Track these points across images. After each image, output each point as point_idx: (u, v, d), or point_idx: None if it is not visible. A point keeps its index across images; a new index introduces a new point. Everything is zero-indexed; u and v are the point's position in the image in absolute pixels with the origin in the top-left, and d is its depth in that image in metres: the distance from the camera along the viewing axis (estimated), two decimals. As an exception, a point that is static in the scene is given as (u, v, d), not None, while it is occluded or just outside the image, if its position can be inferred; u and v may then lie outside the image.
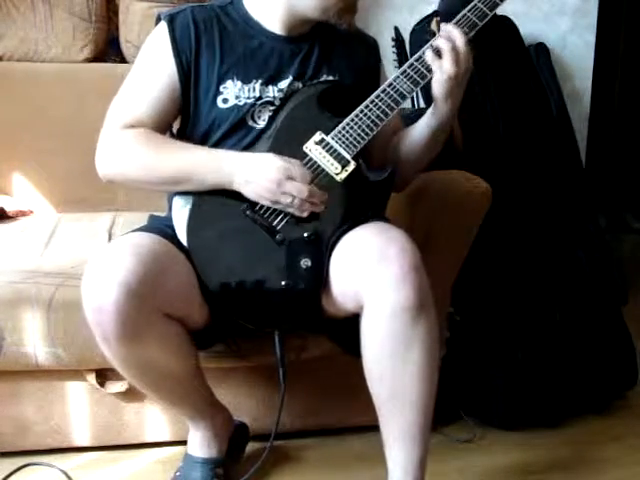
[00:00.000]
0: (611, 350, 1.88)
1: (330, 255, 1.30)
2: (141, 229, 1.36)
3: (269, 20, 1.40)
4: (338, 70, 1.44)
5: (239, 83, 1.38)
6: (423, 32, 2.09)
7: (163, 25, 1.37)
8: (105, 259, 1.21)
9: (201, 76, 1.37)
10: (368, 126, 1.34)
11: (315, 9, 1.35)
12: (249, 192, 1.29)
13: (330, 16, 1.36)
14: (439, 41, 1.31)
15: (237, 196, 1.30)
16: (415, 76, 1.36)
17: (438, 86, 1.31)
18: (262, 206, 1.31)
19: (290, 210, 1.30)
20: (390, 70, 1.87)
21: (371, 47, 1.53)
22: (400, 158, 1.44)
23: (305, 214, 1.30)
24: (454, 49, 1.29)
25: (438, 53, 1.30)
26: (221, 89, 1.37)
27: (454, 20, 1.35)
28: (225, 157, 1.30)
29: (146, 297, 1.19)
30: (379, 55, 1.53)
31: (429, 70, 1.35)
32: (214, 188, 1.30)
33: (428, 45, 1.34)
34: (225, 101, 1.37)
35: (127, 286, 1.17)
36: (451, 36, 1.31)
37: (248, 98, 1.38)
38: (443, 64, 1.29)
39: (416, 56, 1.37)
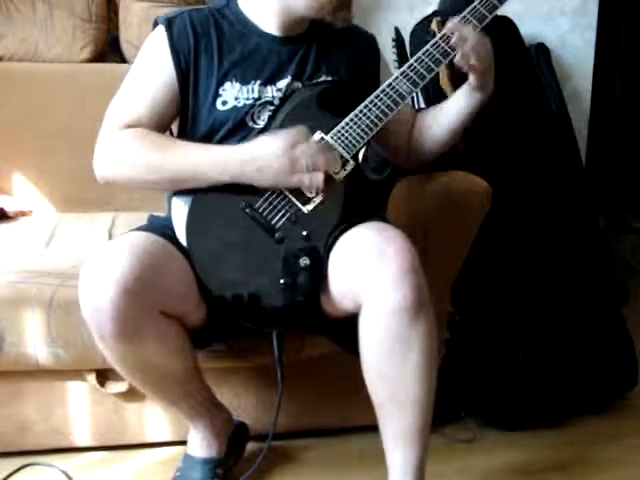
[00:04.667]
0: (611, 350, 1.88)
1: (329, 254, 1.30)
2: (140, 228, 1.36)
3: (265, 21, 1.40)
4: (336, 69, 1.44)
5: (237, 85, 1.38)
6: (423, 32, 2.08)
7: (161, 29, 1.38)
8: (103, 258, 1.21)
9: (200, 79, 1.38)
10: (367, 126, 1.34)
11: (309, 7, 1.35)
12: (264, 180, 1.29)
13: (325, 14, 1.36)
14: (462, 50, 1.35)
15: (236, 195, 1.30)
16: (414, 77, 1.37)
17: (480, 81, 1.39)
18: (261, 204, 1.31)
19: (306, 181, 1.28)
20: (390, 70, 1.87)
21: (369, 42, 1.53)
22: (431, 138, 1.51)
23: (321, 183, 1.29)
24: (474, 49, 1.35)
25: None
26: (220, 91, 1.37)
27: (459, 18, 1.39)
28: (229, 154, 1.30)
29: (143, 296, 1.19)
30: (378, 50, 1.54)
31: (429, 71, 1.37)
32: (218, 184, 1.30)
33: (432, 46, 1.37)
34: (224, 103, 1.38)
35: (124, 285, 1.17)
36: (463, 35, 1.35)
37: (247, 99, 1.38)
38: (473, 64, 1.36)
39: (415, 57, 1.38)
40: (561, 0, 2.46)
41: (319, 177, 1.29)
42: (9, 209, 1.92)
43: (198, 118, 1.39)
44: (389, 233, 1.24)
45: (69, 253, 1.63)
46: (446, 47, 1.37)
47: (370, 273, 1.21)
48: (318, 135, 1.33)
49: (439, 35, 1.38)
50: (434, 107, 1.53)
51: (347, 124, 1.34)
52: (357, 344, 1.27)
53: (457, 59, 1.36)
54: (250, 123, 1.38)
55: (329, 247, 1.30)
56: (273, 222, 1.31)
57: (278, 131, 1.31)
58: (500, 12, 1.44)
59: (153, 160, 1.31)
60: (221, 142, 1.38)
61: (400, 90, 1.36)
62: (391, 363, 1.24)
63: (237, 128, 1.38)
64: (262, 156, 1.28)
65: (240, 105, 1.38)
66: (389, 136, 1.48)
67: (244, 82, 1.38)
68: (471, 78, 1.39)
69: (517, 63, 2.16)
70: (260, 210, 1.31)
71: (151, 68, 1.38)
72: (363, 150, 1.38)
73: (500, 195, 1.65)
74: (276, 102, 1.39)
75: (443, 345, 1.67)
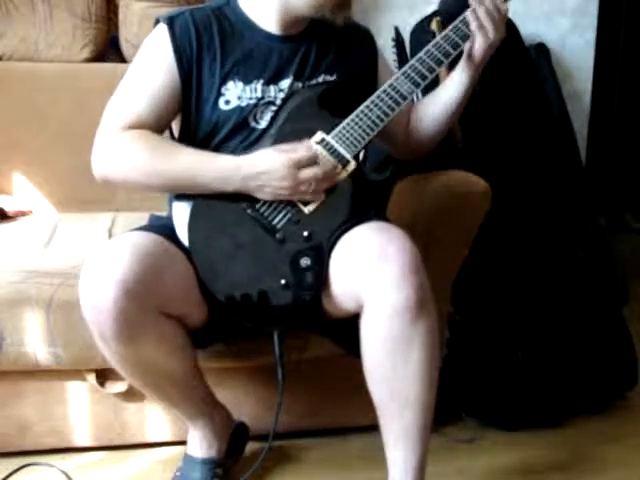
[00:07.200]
0: (611, 350, 1.88)
1: (330, 254, 1.30)
2: (140, 228, 1.36)
3: (265, 20, 1.40)
4: (336, 68, 1.44)
5: (240, 84, 1.38)
6: (423, 32, 2.09)
7: (163, 27, 1.37)
8: (103, 257, 1.21)
9: (203, 78, 1.37)
10: (368, 126, 1.35)
11: (309, 6, 1.35)
12: (265, 195, 1.30)
13: (325, 13, 1.36)
14: (482, 9, 1.38)
15: (237, 196, 1.30)
16: (415, 77, 1.37)
17: (481, 52, 1.39)
18: (263, 205, 1.31)
19: (308, 197, 1.30)
20: (392, 68, 1.86)
21: (367, 39, 1.53)
22: (427, 127, 1.51)
23: (322, 197, 1.31)
24: (499, 15, 1.39)
25: (479, 20, 1.38)
26: (223, 90, 1.37)
27: None
28: (231, 165, 1.29)
29: (144, 296, 1.19)
30: (375, 45, 1.54)
31: (430, 71, 1.37)
32: (218, 193, 1.30)
33: (467, 13, 1.39)
34: (227, 102, 1.37)
35: (125, 285, 1.17)
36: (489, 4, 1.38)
37: (250, 99, 1.38)
38: (489, 31, 1.38)
39: (417, 57, 1.38)
40: (561, 0, 2.46)
41: (320, 197, 1.31)
42: (9, 209, 1.92)
43: (200, 117, 1.38)
44: (391, 233, 1.24)
45: (69, 253, 1.63)
46: (448, 47, 1.37)
47: (372, 273, 1.21)
48: (319, 135, 1.33)
49: (441, 35, 1.38)
50: (426, 97, 1.54)
51: (348, 124, 1.34)
52: (358, 345, 1.27)
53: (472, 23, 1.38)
54: (252, 123, 1.38)
55: (330, 247, 1.30)
56: (274, 222, 1.31)
57: (283, 144, 1.31)
58: (499, 12, 1.44)
59: (153, 165, 1.30)
60: (223, 141, 1.38)
61: (401, 90, 1.36)
62: (393, 363, 1.24)
63: (239, 128, 1.38)
64: (265, 174, 1.28)
65: (244, 105, 1.37)
66: (387, 132, 1.47)
67: (247, 81, 1.38)
68: (477, 51, 1.39)
69: (517, 63, 2.16)
70: (261, 211, 1.31)
71: (152, 67, 1.37)
72: (363, 150, 1.38)
73: (500, 195, 1.65)
74: (278, 102, 1.39)
75: (444, 345, 1.67)
